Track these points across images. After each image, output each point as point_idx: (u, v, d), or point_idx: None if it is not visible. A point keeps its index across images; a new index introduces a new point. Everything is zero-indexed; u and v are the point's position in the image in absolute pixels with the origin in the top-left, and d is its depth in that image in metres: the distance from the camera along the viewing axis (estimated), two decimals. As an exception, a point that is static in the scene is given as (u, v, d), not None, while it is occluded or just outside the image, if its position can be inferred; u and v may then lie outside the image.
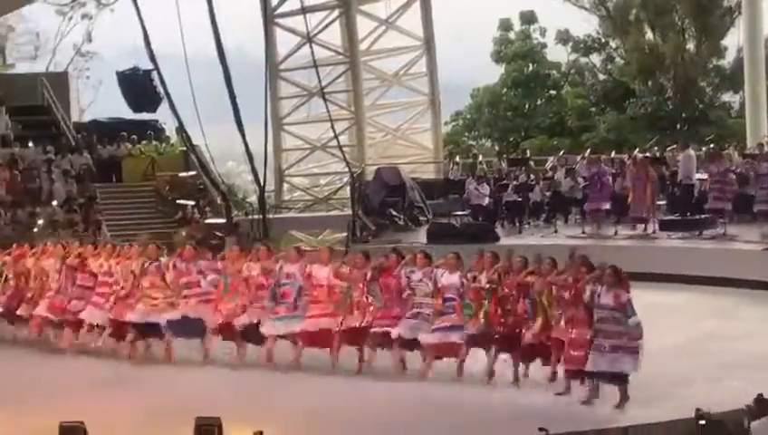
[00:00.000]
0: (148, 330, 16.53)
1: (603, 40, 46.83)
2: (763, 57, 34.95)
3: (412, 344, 14.77)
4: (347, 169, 31.73)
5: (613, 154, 29.94)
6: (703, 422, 10.43)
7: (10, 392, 14.34)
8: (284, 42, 35.21)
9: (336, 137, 32.22)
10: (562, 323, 13.65)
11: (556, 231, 25.95)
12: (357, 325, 15.13)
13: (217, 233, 28.79)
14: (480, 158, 33.60)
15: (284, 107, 35.60)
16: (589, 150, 31.37)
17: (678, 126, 43.42)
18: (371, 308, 15.10)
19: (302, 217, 33.82)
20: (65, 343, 17.42)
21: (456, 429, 12.28)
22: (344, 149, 32.84)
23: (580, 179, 26.17)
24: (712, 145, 29.28)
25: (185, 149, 32.16)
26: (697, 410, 10.56)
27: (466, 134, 49.10)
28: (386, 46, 35.86)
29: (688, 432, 10.63)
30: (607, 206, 25.07)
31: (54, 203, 29.13)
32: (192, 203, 30.63)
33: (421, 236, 26.63)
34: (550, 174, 28.79)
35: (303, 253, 16.51)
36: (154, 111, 32.60)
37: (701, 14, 43.46)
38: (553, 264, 14.10)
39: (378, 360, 15.14)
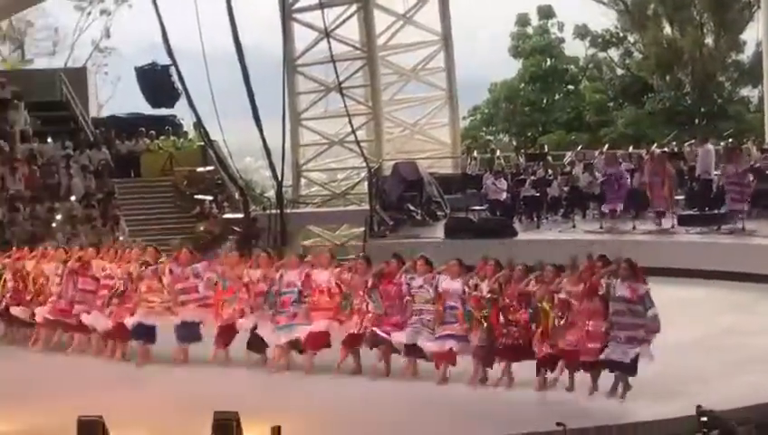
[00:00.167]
0: (145, 334, 16.41)
1: (621, 34, 46.69)
2: (782, 51, 34.76)
3: (413, 350, 14.73)
4: (364, 165, 31.69)
5: (631, 149, 29.84)
6: (704, 419, 10.38)
7: (25, 389, 14.45)
8: (302, 37, 35.16)
9: (354, 132, 32.23)
10: (562, 331, 13.58)
11: (574, 226, 25.89)
12: (355, 332, 15.05)
13: (235, 228, 28.89)
14: (498, 153, 33.55)
15: (302, 102, 35.56)
16: (607, 146, 31.27)
17: (697, 121, 43.24)
18: (370, 315, 14.97)
19: (320, 212, 33.88)
20: (73, 346, 17.42)
21: (472, 426, 12.28)
22: (362, 144, 32.79)
23: (597, 174, 26.10)
24: (730, 140, 29.15)
25: (203, 144, 32.25)
26: (698, 407, 10.50)
27: (484, 129, 49.01)
28: (403, 41, 35.75)
29: (690, 429, 10.59)
30: (621, 207, 25.07)
31: (73, 198, 29.23)
32: (210, 198, 30.72)
33: (439, 231, 26.62)
34: (568, 169, 28.70)
35: (304, 259, 16.37)
36: (172, 106, 32.71)
37: (719, 8, 43.27)
38: (556, 271, 14.04)
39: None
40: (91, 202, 29.14)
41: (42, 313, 17.53)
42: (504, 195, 27.73)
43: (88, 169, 30.57)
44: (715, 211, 24.12)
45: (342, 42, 34.44)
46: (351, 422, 12.51)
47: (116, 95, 48.79)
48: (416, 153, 33.91)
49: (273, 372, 15.46)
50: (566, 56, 48.05)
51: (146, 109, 34.49)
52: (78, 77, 36.31)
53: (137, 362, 16.24)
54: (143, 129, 33.82)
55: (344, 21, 34.67)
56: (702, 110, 43.61)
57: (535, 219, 27.19)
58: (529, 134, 46.53)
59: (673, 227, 24.27)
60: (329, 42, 32.07)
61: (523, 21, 48.02)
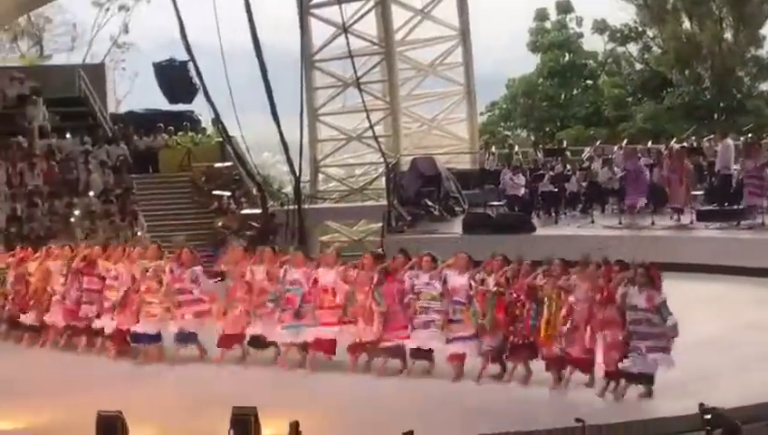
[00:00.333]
0: (148, 339, 16.39)
1: (640, 29, 46.51)
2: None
3: (425, 354, 14.72)
4: (382, 160, 31.69)
5: (650, 144, 29.75)
6: (708, 417, 10.29)
7: (42, 387, 14.48)
8: (320, 32, 35.19)
9: (371, 127, 32.20)
10: (565, 328, 13.53)
11: (593, 221, 25.81)
12: (366, 340, 14.99)
13: (253, 223, 28.92)
14: (516, 148, 33.49)
15: (320, 98, 35.58)
16: (626, 141, 31.18)
17: (716, 116, 43.07)
18: (375, 314, 14.87)
19: (338, 207, 33.90)
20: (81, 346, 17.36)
21: (487, 423, 12.23)
22: (379, 139, 32.77)
23: (616, 170, 26.02)
24: (749, 135, 29.01)
25: (221, 140, 32.30)
26: (701, 404, 10.42)
27: (502, 124, 48.95)
28: (421, 36, 35.74)
29: (694, 427, 10.53)
30: (644, 202, 24.95)
31: (91, 194, 29.31)
32: (228, 194, 30.75)
33: (457, 226, 26.56)
34: (586, 164, 28.62)
35: (309, 258, 16.32)
36: (190, 102, 32.79)
37: (738, 2, 43.06)
38: (564, 265, 13.97)
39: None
40: (109, 198, 29.22)
41: (52, 319, 17.49)
42: (522, 190, 27.67)
43: (106, 164, 30.65)
44: (735, 207, 24.03)
45: (360, 37, 34.43)
46: (369, 419, 12.48)
47: (134, 91, 48.98)
48: (433, 148, 33.85)
49: (285, 369, 15.45)
50: (585, 51, 47.98)
51: (164, 104, 34.61)
52: (96, 73, 36.45)
53: (140, 360, 16.29)
54: (161, 124, 33.91)
55: (362, 16, 34.67)
56: (721, 105, 43.44)
57: (553, 215, 27.12)
58: (547, 129, 46.48)
59: (692, 222, 24.18)
60: (346, 37, 32.07)
61: (541, 16, 47.96)
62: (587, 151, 30.40)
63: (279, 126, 28.55)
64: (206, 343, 16.29)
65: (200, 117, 35.77)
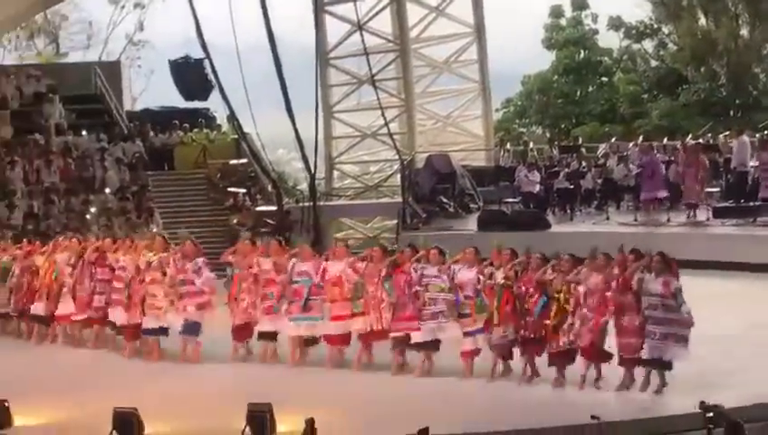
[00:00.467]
0: (154, 332, 16.49)
1: (655, 26, 46.42)
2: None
3: (432, 344, 14.74)
4: (397, 157, 31.70)
5: (665, 141, 29.70)
6: (710, 415, 10.26)
7: (56, 382, 14.57)
8: (335, 29, 35.20)
9: (386, 124, 32.19)
10: (577, 324, 13.52)
11: (608, 218, 25.79)
12: (375, 329, 15.04)
13: (268, 220, 28.95)
14: (531, 145, 33.42)
15: (335, 95, 35.58)
16: (641, 137, 31.10)
17: (732, 112, 42.95)
18: (384, 304, 14.91)
19: (353, 204, 33.93)
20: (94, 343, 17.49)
21: (501, 419, 12.24)
22: (394, 136, 32.79)
23: (632, 166, 25.97)
24: (766, 132, 28.95)
25: (236, 137, 32.31)
26: (701, 402, 10.40)
27: (517, 121, 48.94)
28: (436, 33, 35.72)
29: (697, 425, 10.51)
30: (663, 194, 24.91)
31: (107, 191, 29.38)
32: (243, 191, 30.76)
33: (472, 223, 26.56)
34: (602, 161, 28.61)
35: (317, 252, 16.39)
36: (205, 99, 32.77)
37: (754, -1, 42.99)
38: (573, 260, 13.96)
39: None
40: (125, 195, 29.29)
41: (63, 310, 17.58)
42: (538, 187, 27.66)
43: (122, 161, 30.72)
44: (751, 203, 23.99)
45: (375, 34, 34.42)
46: (384, 415, 12.47)
47: (149, 88, 49.14)
48: (448, 145, 33.86)
49: (292, 366, 15.50)
50: (600, 48, 47.90)
51: (179, 102, 34.62)
52: (112, 70, 36.54)
53: (145, 357, 16.38)
54: (177, 121, 33.99)
55: (377, 13, 34.66)
56: (737, 101, 43.30)
57: (569, 212, 27.09)
58: (562, 126, 46.44)
59: (708, 219, 24.16)
60: (361, 34, 32.10)
61: (556, 12, 47.88)
62: (602, 148, 30.37)
63: (294, 123, 28.56)
64: (208, 338, 16.31)
65: (215, 114, 35.90)
